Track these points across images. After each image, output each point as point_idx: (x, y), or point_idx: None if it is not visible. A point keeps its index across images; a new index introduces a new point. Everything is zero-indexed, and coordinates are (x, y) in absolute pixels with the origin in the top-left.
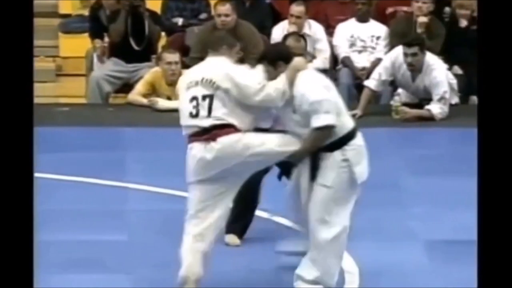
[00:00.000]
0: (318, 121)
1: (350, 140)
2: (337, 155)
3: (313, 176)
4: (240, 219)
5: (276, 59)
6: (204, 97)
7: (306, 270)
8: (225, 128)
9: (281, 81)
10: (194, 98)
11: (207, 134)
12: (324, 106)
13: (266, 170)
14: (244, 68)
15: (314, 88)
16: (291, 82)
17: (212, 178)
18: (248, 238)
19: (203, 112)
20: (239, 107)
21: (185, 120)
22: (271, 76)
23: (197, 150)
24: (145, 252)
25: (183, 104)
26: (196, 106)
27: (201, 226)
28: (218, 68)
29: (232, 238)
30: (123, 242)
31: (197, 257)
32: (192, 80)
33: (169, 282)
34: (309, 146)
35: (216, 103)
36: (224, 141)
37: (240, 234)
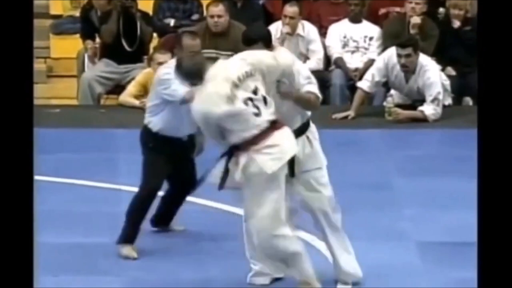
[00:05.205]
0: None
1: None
2: (312, 139)
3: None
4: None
5: (271, 41)
6: (254, 91)
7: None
8: (278, 123)
9: None
10: (248, 99)
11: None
12: None
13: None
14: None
15: None
16: None
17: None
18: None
19: (261, 104)
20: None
21: (247, 125)
22: None
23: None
24: (137, 253)
25: (238, 109)
26: (254, 105)
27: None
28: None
29: (129, 251)
30: (114, 244)
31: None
32: (235, 78)
33: (159, 284)
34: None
35: (260, 86)
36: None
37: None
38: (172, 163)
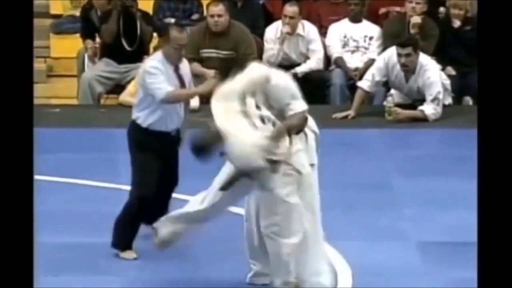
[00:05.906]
0: None
1: None
2: (308, 132)
3: None
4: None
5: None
6: (257, 107)
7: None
8: None
9: None
10: (261, 119)
11: None
12: None
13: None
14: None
15: None
16: None
17: None
18: None
19: (268, 113)
20: None
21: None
22: None
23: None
24: (137, 253)
25: (266, 130)
26: (266, 119)
27: None
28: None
29: (128, 253)
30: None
31: None
32: (240, 109)
33: (159, 284)
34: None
35: (256, 101)
36: None
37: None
38: (161, 158)
